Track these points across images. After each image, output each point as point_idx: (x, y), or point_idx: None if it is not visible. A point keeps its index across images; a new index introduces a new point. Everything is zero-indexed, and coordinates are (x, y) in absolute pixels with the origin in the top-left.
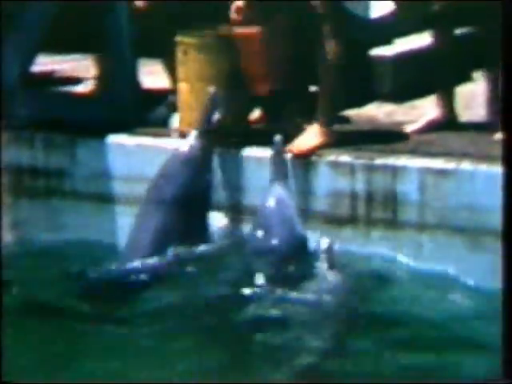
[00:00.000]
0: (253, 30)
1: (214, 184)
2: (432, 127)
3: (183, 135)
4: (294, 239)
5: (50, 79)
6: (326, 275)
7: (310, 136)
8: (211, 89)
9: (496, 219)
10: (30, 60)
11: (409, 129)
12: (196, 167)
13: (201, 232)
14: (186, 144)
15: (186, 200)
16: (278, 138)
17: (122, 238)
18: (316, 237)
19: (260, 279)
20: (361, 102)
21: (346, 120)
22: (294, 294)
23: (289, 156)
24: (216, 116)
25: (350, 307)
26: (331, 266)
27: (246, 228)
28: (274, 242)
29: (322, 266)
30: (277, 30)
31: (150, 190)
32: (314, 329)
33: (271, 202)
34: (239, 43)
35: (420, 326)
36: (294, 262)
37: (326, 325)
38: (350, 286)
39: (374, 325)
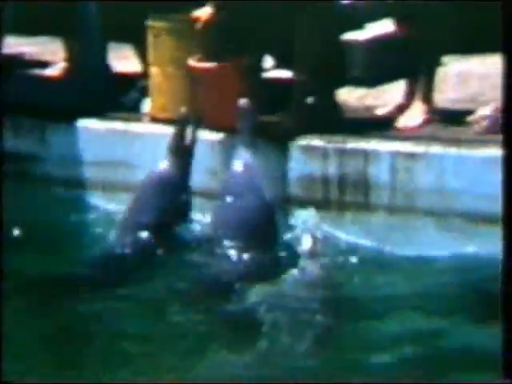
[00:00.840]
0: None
1: (191, 203)
2: (402, 111)
3: (154, 119)
4: (262, 205)
5: (18, 62)
6: (307, 266)
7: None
8: (181, 111)
9: (464, 201)
10: None
11: (379, 112)
12: (172, 189)
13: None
14: (162, 165)
15: (163, 224)
16: (245, 104)
17: (93, 222)
18: (301, 220)
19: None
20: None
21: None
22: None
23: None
24: (189, 136)
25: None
26: (312, 256)
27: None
28: (243, 207)
29: (302, 254)
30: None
31: (127, 215)
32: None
33: (238, 167)
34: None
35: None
36: (263, 234)
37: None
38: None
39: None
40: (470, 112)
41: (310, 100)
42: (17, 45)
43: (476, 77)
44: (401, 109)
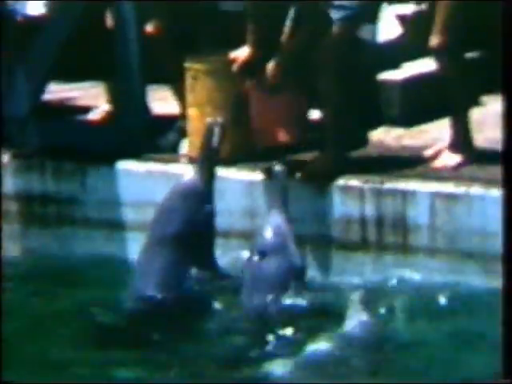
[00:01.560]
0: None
1: (215, 215)
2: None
3: (193, 160)
4: (290, 268)
5: (60, 107)
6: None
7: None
8: (209, 119)
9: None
10: (40, 89)
11: (425, 153)
12: (197, 199)
13: (207, 264)
14: (187, 176)
15: (189, 234)
16: (278, 167)
17: (133, 263)
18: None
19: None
20: (370, 127)
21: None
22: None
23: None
24: (215, 146)
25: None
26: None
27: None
28: (270, 270)
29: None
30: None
31: (153, 227)
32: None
33: (268, 231)
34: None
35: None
36: (290, 292)
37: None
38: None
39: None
40: None
41: (343, 139)
42: (59, 90)
43: None
44: (442, 149)
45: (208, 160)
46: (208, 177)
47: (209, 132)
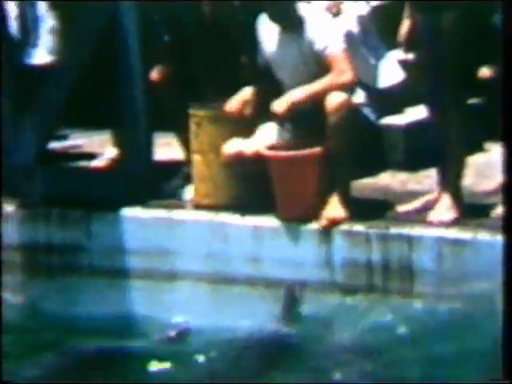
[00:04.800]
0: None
1: None
2: (428, 207)
3: (197, 206)
4: None
5: (65, 155)
6: None
7: (335, 207)
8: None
9: None
10: (47, 138)
11: (401, 209)
12: None
13: None
14: None
15: None
16: (288, 284)
17: (139, 312)
18: None
19: None
20: (372, 171)
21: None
22: None
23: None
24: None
25: None
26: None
27: None
28: None
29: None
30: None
31: None
32: None
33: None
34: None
35: None
36: None
37: None
38: None
39: None
40: None
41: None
42: (64, 138)
43: None
44: (427, 205)
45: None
46: None
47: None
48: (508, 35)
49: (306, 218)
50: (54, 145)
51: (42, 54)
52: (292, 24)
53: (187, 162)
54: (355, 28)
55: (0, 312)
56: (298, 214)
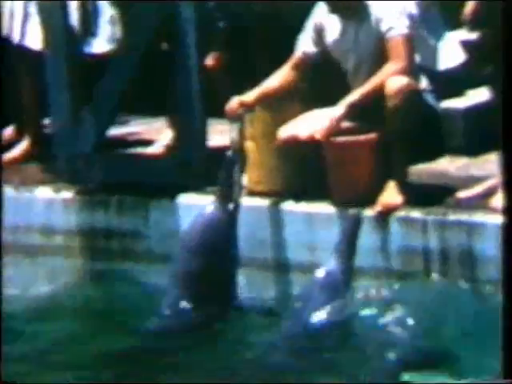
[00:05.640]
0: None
1: (238, 246)
2: (490, 193)
3: (250, 193)
4: None
5: (123, 142)
6: None
7: (392, 193)
8: (228, 152)
9: None
10: (106, 126)
11: (461, 195)
12: (221, 230)
13: (229, 293)
14: (209, 208)
15: (213, 266)
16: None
17: None
18: None
19: None
20: (431, 156)
21: None
22: None
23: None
24: (236, 177)
25: None
26: None
27: None
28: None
29: None
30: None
31: (178, 260)
32: None
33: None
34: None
35: None
36: None
37: None
38: None
39: None
40: None
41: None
42: (122, 125)
43: None
44: (490, 191)
45: (230, 191)
46: (230, 209)
47: (229, 163)
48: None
49: (361, 203)
50: (113, 132)
51: (101, 43)
52: (353, 12)
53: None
54: (414, 8)
55: (0, 312)
56: (353, 200)
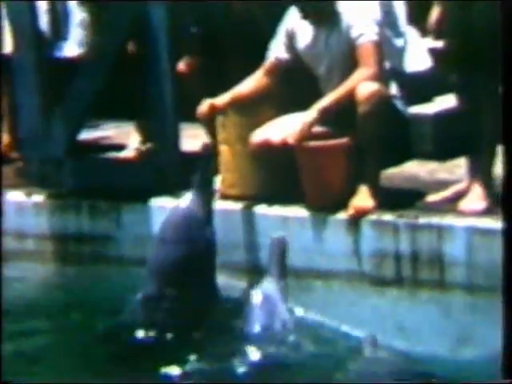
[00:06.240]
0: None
1: (215, 242)
2: (458, 197)
3: (224, 196)
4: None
5: (94, 146)
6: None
7: (363, 197)
8: (204, 143)
9: None
10: (77, 130)
11: (431, 199)
12: (196, 225)
13: (207, 291)
14: (184, 201)
15: (188, 261)
16: (277, 237)
17: None
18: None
19: None
20: (401, 161)
21: None
22: None
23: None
24: (211, 170)
25: None
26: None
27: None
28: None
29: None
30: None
31: (151, 255)
32: None
33: (257, 298)
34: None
35: None
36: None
37: None
38: None
39: None
40: None
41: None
42: (93, 130)
43: None
44: (457, 196)
45: (205, 185)
46: (206, 202)
47: (203, 156)
48: (508, 34)
49: (333, 207)
50: (84, 136)
51: (72, 47)
52: (325, 18)
53: (214, 153)
54: (379, 10)
55: (0, 313)
56: (325, 204)
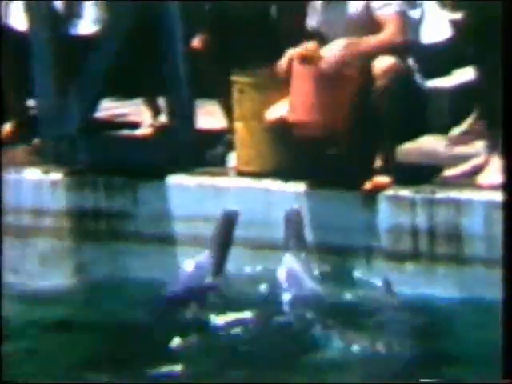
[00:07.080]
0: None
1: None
2: (476, 171)
3: (240, 173)
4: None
5: (110, 124)
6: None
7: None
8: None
9: None
10: (93, 107)
11: (448, 173)
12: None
13: None
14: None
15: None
16: (294, 208)
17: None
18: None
19: None
20: (417, 135)
21: None
22: None
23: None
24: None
25: None
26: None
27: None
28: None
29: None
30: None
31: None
32: None
33: (282, 274)
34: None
35: None
36: None
37: None
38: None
39: None
40: None
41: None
42: (110, 107)
43: None
44: (475, 170)
45: (223, 247)
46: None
47: (229, 221)
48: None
49: (314, 126)
50: (100, 113)
51: (87, 25)
52: None
53: (230, 130)
54: None
55: (0, 313)
56: (308, 119)
